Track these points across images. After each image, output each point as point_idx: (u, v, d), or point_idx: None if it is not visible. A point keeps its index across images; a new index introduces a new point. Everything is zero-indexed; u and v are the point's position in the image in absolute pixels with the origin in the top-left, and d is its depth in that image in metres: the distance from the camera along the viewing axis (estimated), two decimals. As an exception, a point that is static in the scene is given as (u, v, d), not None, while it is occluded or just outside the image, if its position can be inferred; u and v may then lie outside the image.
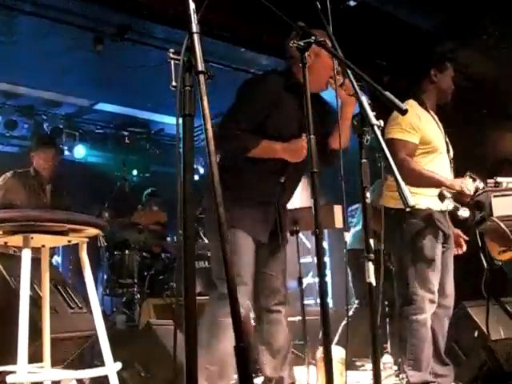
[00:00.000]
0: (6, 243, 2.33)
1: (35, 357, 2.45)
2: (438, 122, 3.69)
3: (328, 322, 1.99)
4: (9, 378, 2.02)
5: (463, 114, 6.14)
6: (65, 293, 3.33)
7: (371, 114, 2.10)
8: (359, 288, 5.13)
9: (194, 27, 1.64)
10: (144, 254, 6.30)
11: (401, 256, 3.49)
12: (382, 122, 2.10)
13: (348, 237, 5.22)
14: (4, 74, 6.11)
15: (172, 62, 1.70)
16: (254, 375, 4.00)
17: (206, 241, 6.14)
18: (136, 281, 5.95)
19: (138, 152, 8.73)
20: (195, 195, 1.63)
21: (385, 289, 3.69)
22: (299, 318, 4.10)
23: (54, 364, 2.56)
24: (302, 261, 4.44)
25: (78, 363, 3.24)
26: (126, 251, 6.13)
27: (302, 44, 2.13)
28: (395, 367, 4.29)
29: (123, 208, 6.29)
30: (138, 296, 5.89)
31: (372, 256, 2.10)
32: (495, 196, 3.26)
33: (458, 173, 3.57)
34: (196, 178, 8.46)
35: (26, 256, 2.15)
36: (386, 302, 4.51)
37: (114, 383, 2.27)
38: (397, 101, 2.12)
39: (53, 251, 5.42)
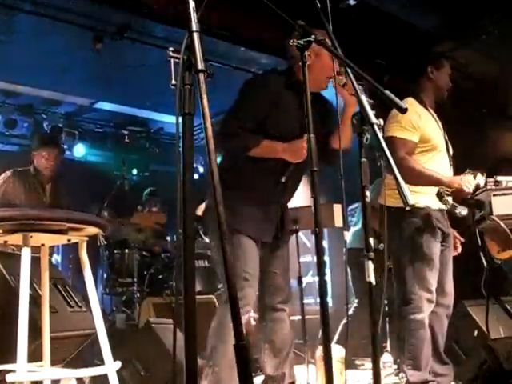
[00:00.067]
0: (5, 242, 2.32)
1: (35, 356, 2.45)
2: (437, 120, 3.69)
3: (328, 321, 1.99)
4: (8, 377, 2.02)
5: (463, 114, 6.14)
6: (64, 292, 3.33)
7: (371, 113, 2.10)
8: (359, 287, 5.13)
9: (194, 26, 1.64)
10: (144, 252, 6.30)
11: (399, 255, 3.48)
12: (381, 121, 2.10)
13: (348, 236, 5.22)
14: (3, 73, 6.11)
15: (172, 60, 1.70)
16: (253, 374, 4.00)
17: (206, 240, 6.14)
18: (136, 280, 5.95)
19: (138, 151, 8.73)
20: (195, 194, 1.63)
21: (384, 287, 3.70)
22: (299, 317, 4.09)
23: (53, 363, 2.56)
24: (301, 260, 4.44)
25: (78, 362, 3.23)
26: (126, 250, 6.13)
27: (302, 43, 2.13)
28: (395, 366, 4.29)
29: (123, 207, 6.29)
30: (138, 295, 5.89)
31: (372, 255, 2.09)
32: (495, 195, 3.26)
33: (458, 172, 3.57)
34: (196, 177, 8.46)
35: (26, 255, 2.15)
36: (386, 301, 4.51)
37: (113, 382, 2.27)
38: (397, 99, 2.12)
39: (52, 250, 5.43)
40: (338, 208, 4.34)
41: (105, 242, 5.90)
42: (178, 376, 1.64)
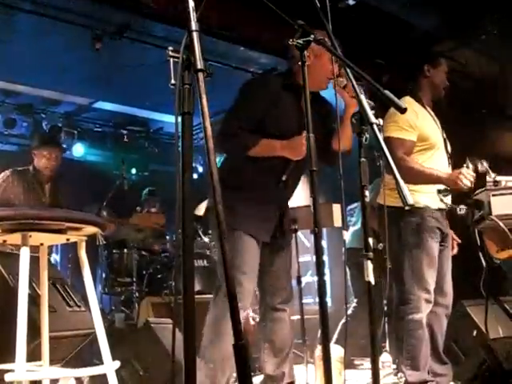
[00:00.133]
0: (4, 241, 2.32)
1: (34, 355, 2.45)
2: (435, 118, 3.69)
3: (327, 321, 1.99)
4: (7, 376, 2.02)
5: (462, 114, 6.15)
6: (63, 291, 3.33)
7: (370, 113, 2.10)
8: (358, 287, 5.13)
9: (193, 25, 1.64)
10: (143, 252, 6.31)
11: (398, 254, 3.47)
12: (381, 121, 2.10)
13: (347, 235, 5.23)
14: (3, 72, 6.10)
15: (171, 60, 1.69)
16: (252, 374, 4.00)
17: (206, 239, 6.15)
18: (135, 279, 5.95)
19: (137, 150, 8.73)
20: (194, 194, 1.63)
21: (383, 287, 3.70)
22: (298, 316, 4.09)
23: (52, 362, 2.56)
24: (300, 259, 4.44)
25: (77, 362, 3.23)
26: (125, 250, 6.14)
27: (302, 42, 2.13)
28: (394, 366, 4.29)
29: (122, 207, 6.28)
30: (137, 294, 5.89)
31: (371, 255, 2.09)
32: (494, 195, 3.26)
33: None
34: (195, 176, 8.46)
35: (25, 254, 2.15)
36: (385, 301, 4.51)
37: (112, 382, 2.27)
38: (396, 99, 2.12)
39: (51, 249, 5.42)
40: (337, 208, 4.34)
41: (104, 242, 5.91)
42: (176, 376, 1.64)
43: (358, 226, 5.36)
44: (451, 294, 3.60)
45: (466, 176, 3.27)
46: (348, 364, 3.94)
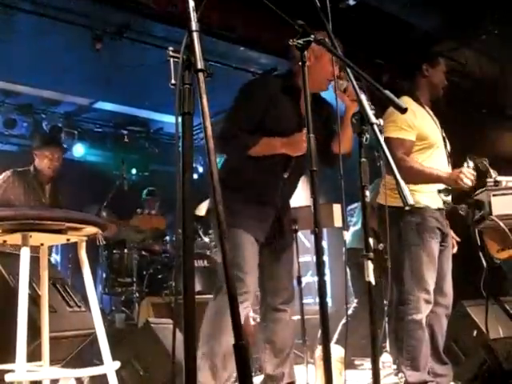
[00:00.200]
0: (4, 242, 2.32)
1: (34, 355, 2.45)
2: (434, 117, 3.68)
3: (327, 321, 1.99)
4: (7, 377, 2.02)
5: (462, 113, 6.15)
6: (63, 291, 3.33)
7: (371, 113, 2.10)
8: (358, 287, 5.12)
9: (194, 25, 1.64)
10: (143, 252, 6.31)
11: (397, 254, 3.46)
12: (381, 121, 2.10)
13: (347, 236, 5.22)
14: (3, 73, 6.10)
15: (171, 60, 1.69)
16: (253, 374, 4.00)
17: (206, 240, 6.15)
18: (135, 279, 5.96)
19: (137, 151, 8.73)
20: (194, 194, 1.63)
21: (383, 287, 3.70)
22: (298, 317, 4.09)
23: (52, 363, 2.56)
24: (301, 260, 4.43)
25: (77, 362, 3.23)
26: (125, 250, 6.14)
27: (302, 42, 2.13)
28: (394, 366, 4.29)
29: (122, 207, 6.29)
30: (137, 295, 5.89)
31: (371, 255, 2.09)
32: (494, 195, 3.26)
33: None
34: (195, 176, 8.46)
35: (25, 254, 2.15)
36: (385, 301, 4.51)
37: (112, 382, 2.27)
38: (396, 99, 2.12)
39: (51, 250, 5.42)
40: (337, 208, 4.34)
41: (104, 242, 5.91)
42: (177, 376, 1.64)
43: (359, 226, 5.35)
44: (451, 294, 3.59)
45: (467, 175, 3.26)
46: (348, 364, 3.94)
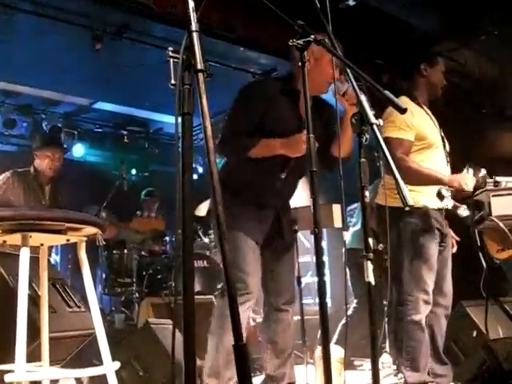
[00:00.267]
0: (4, 242, 2.32)
1: (34, 356, 2.44)
2: (432, 117, 3.68)
3: (327, 322, 1.99)
4: (7, 377, 2.02)
5: (462, 114, 6.15)
6: (63, 292, 3.32)
7: (370, 113, 2.10)
8: (358, 287, 5.12)
9: (194, 26, 1.64)
10: (143, 253, 6.31)
11: (396, 255, 3.46)
12: (381, 121, 2.10)
13: (347, 236, 5.22)
14: (3, 73, 6.09)
15: (171, 60, 1.69)
16: (253, 374, 4.00)
17: (205, 240, 6.15)
18: (135, 280, 5.96)
19: (137, 151, 8.73)
20: (194, 194, 1.63)
21: (383, 288, 3.69)
22: (298, 317, 4.09)
23: (52, 363, 2.56)
24: (300, 260, 4.42)
25: (77, 362, 3.23)
26: (125, 250, 6.14)
27: (302, 43, 2.13)
28: (394, 366, 4.28)
29: (121, 207, 6.29)
30: (137, 295, 5.89)
31: (371, 255, 2.09)
32: (494, 195, 3.26)
33: (456, 170, 3.57)
34: (195, 177, 8.46)
35: (25, 255, 2.14)
36: (385, 302, 4.50)
37: (112, 382, 2.27)
38: (396, 100, 2.12)
39: (51, 250, 5.42)
40: (337, 208, 4.33)
41: (104, 242, 5.91)
42: (176, 376, 1.64)
43: (358, 226, 5.35)
44: (451, 294, 3.59)
45: (468, 180, 3.29)
46: (348, 365, 3.94)
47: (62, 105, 7.70)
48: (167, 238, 6.64)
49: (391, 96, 2.09)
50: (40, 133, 7.28)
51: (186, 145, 1.63)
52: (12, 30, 5.27)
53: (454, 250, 3.73)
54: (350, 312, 5.12)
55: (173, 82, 1.67)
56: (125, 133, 8.49)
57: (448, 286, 3.58)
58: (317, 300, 2.24)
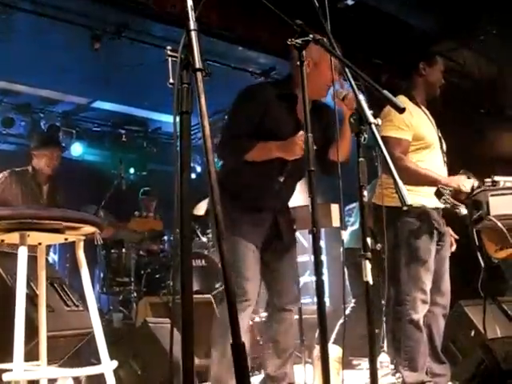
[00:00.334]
0: (2, 241, 2.32)
1: (31, 355, 2.44)
2: (430, 117, 3.67)
3: (325, 321, 1.99)
4: (5, 376, 2.02)
5: (461, 114, 6.15)
6: (61, 291, 3.32)
7: (369, 113, 2.10)
8: (356, 287, 5.12)
9: (192, 25, 1.64)
10: (141, 252, 6.31)
11: (394, 254, 3.45)
12: (379, 121, 2.10)
13: (345, 235, 5.22)
14: (1, 72, 6.09)
15: (169, 59, 1.69)
16: (251, 373, 4.01)
17: (203, 239, 6.15)
18: (133, 279, 5.96)
19: (135, 150, 8.73)
20: (192, 194, 1.63)
21: (381, 287, 3.70)
22: (296, 316, 4.09)
23: (50, 362, 2.56)
24: (298, 259, 4.41)
25: (75, 361, 3.23)
26: (123, 249, 6.14)
27: (300, 42, 2.13)
28: (392, 366, 4.28)
29: (120, 206, 6.29)
30: (135, 294, 5.89)
31: (369, 255, 2.09)
32: (492, 195, 3.26)
33: (453, 170, 3.57)
34: (193, 176, 8.46)
35: (23, 254, 2.14)
36: (383, 301, 4.51)
37: (110, 381, 2.27)
38: (395, 99, 2.12)
39: (49, 249, 5.41)
40: (335, 208, 4.33)
41: (102, 242, 5.91)
42: (174, 375, 1.64)
43: (357, 226, 5.35)
44: (449, 293, 3.59)
45: (464, 182, 3.29)
46: (346, 364, 3.94)
47: (61, 104, 7.70)
48: (165, 238, 6.64)
49: (390, 95, 2.09)
50: (38, 132, 7.29)
51: (184, 144, 1.62)
52: (11, 29, 5.27)
53: (453, 248, 3.73)
54: (348, 311, 5.12)
55: (171, 80, 1.66)
56: (123, 132, 8.50)
57: (446, 285, 3.58)
58: (315, 299, 2.24)
